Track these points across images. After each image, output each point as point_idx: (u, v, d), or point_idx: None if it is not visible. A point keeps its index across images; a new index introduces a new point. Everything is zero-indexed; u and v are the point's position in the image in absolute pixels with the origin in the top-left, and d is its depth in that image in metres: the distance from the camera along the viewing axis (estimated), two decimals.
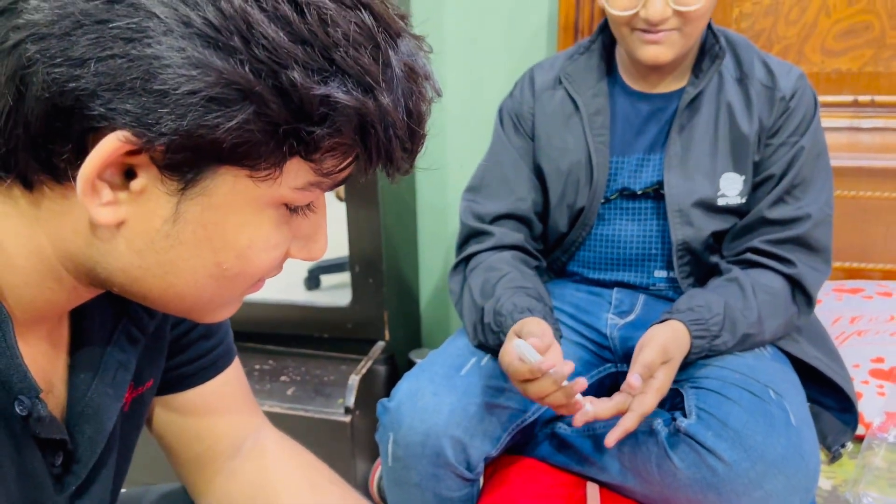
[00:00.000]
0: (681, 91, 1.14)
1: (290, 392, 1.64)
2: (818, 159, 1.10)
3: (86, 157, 0.40)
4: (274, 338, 1.78)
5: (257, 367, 1.72)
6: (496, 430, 1.02)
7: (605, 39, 1.19)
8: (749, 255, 1.09)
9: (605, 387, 1.16)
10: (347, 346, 1.73)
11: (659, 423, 0.95)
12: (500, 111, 1.25)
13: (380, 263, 1.66)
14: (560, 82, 1.19)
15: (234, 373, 0.74)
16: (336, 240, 1.71)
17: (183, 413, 0.70)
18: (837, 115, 1.62)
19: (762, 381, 0.96)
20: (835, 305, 1.35)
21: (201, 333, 0.69)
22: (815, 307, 1.28)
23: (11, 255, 0.46)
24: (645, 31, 1.05)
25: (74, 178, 0.41)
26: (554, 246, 1.23)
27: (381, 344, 1.70)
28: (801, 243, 1.08)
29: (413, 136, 0.46)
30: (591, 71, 1.18)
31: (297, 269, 1.85)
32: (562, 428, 1.06)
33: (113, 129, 0.40)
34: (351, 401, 1.54)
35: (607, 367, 1.17)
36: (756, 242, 1.09)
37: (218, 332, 0.71)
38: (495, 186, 1.21)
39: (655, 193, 1.15)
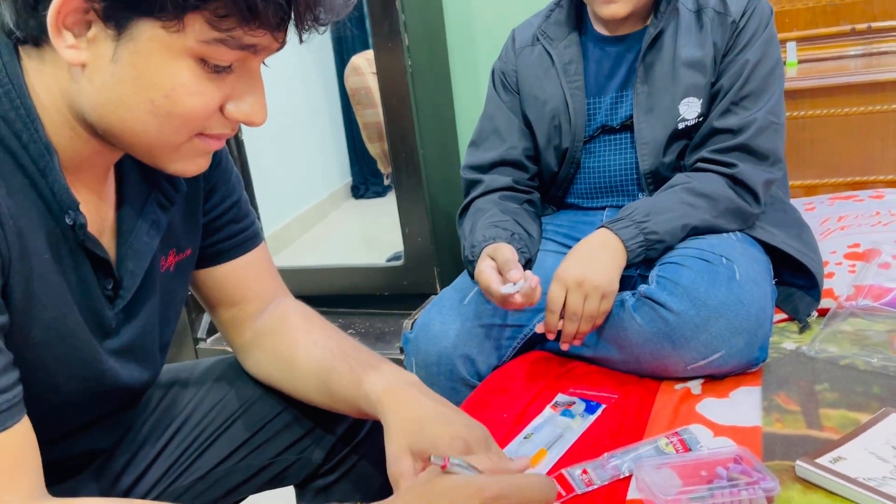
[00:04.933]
0: (644, 31, 1.28)
1: None
2: (770, 74, 1.21)
3: None
4: (342, 300, 2.04)
5: None
6: (500, 345, 1.22)
7: None
8: (698, 164, 1.22)
9: None
10: (405, 301, 1.96)
11: (628, 295, 1.12)
12: (492, 72, 1.44)
13: (427, 225, 1.88)
14: (537, 39, 1.37)
15: (261, 254, 0.97)
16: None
17: (221, 281, 0.94)
18: (839, 44, 1.72)
19: (717, 252, 1.09)
20: (826, 210, 1.44)
21: (230, 219, 0.92)
22: (805, 213, 1.39)
23: (44, 103, 0.63)
24: None
25: None
26: (550, 183, 1.41)
27: (433, 297, 1.92)
28: (745, 149, 1.19)
29: None
30: (562, 25, 1.35)
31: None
32: None
33: None
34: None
35: None
36: (704, 152, 1.22)
37: (245, 219, 0.94)
38: (490, 138, 1.40)
39: (632, 127, 1.30)
